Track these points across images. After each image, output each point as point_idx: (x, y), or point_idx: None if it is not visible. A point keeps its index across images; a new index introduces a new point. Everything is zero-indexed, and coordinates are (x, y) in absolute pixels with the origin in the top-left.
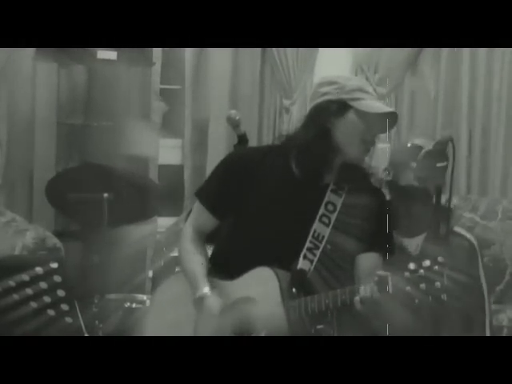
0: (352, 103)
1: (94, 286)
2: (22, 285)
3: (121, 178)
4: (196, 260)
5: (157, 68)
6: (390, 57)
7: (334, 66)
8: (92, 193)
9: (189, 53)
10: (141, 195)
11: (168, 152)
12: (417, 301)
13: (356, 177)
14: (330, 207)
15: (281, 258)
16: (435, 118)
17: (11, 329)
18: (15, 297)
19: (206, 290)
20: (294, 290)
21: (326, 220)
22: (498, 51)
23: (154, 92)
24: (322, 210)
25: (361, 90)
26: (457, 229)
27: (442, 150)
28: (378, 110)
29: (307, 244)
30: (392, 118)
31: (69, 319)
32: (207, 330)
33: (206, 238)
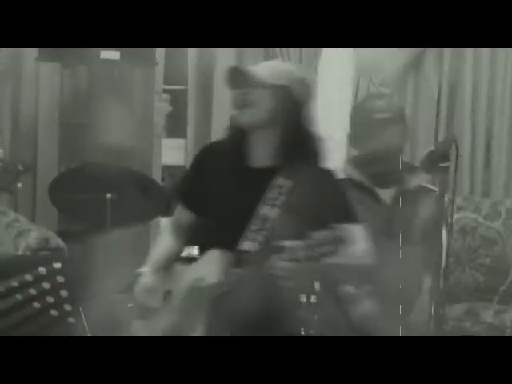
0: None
1: (97, 287)
2: (25, 285)
3: (124, 179)
4: (157, 248)
5: (160, 68)
6: (394, 57)
7: (337, 66)
8: (95, 193)
9: (192, 53)
10: (144, 196)
11: (171, 152)
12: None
13: (301, 156)
14: (280, 190)
15: (230, 240)
16: (438, 119)
17: (14, 329)
18: (18, 297)
19: (145, 268)
20: (235, 269)
21: (274, 202)
22: (502, 51)
23: (157, 92)
24: (270, 193)
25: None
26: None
27: (445, 151)
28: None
29: (252, 226)
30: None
31: (72, 320)
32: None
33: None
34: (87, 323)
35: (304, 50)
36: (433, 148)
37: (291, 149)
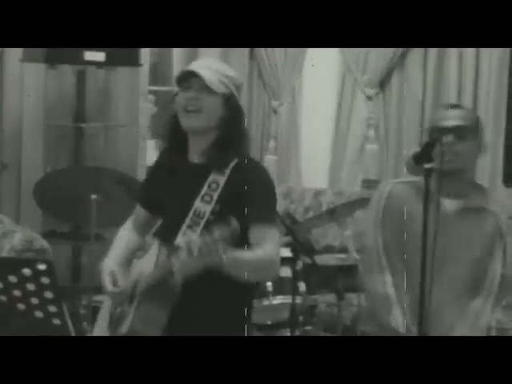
0: None
1: (82, 288)
2: (10, 286)
3: (109, 180)
4: (118, 241)
5: (145, 69)
6: (378, 58)
7: (322, 66)
8: (80, 194)
9: (177, 53)
10: (129, 196)
11: (156, 153)
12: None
13: (234, 154)
14: (214, 186)
15: (170, 234)
16: (423, 119)
17: None
18: (2, 298)
19: (110, 264)
20: (162, 264)
21: (207, 198)
22: (486, 51)
23: (142, 93)
24: (204, 189)
25: None
26: None
27: (429, 152)
28: None
29: (187, 221)
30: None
31: (56, 321)
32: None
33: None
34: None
35: (289, 50)
36: (418, 149)
37: (227, 148)
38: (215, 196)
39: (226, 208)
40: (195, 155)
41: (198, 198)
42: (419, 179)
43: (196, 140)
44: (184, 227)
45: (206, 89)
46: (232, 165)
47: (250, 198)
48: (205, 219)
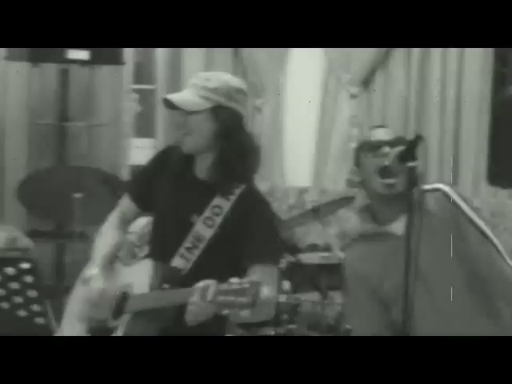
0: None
1: (66, 287)
2: (3, 280)
3: (92, 179)
4: (103, 241)
5: (129, 68)
6: (362, 56)
7: (306, 66)
8: (64, 193)
9: (161, 53)
10: (112, 195)
11: (140, 152)
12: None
13: (241, 176)
14: (217, 210)
15: (165, 253)
16: (406, 118)
17: None
18: None
19: (95, 271)
20: (165, 285)
21: (210, 222)
22: (469, 51)
23: (126, 92)
24: (207, 213)
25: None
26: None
27: (412, 150)
28: None
29: (186, 243)
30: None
31: (40, 320)
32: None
33: None
34: (55, 324)
35: (273, 50)
36: (402, 148)
37: (229, 168)
38: (217, 221)
39: (226, 237)
40: (201, 172)
41: (201, 221)
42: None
43: (201, 157)
44: (182, 249)
45: (187, 109)
46: (238, 192)
47: (253, 235)
48: (204, 244)
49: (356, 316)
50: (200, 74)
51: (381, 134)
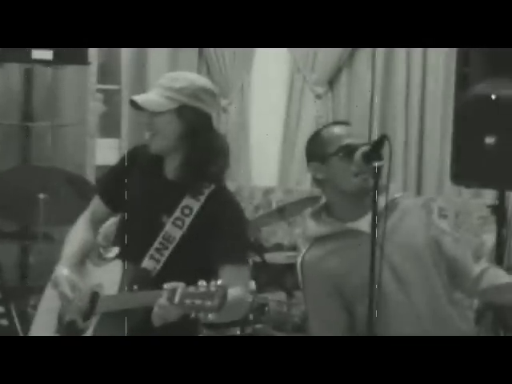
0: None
1: (30, 288)
2: None
3: (57, 179)
4: (72, 242)
5: (93, 68)
6: (327, 56)
7: (271, 65)
8: (28, 194)
9: (126, 52)
10: (77, 196)
11: (105, 152)
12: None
13: (210, 176)
14: (187, 211)
15: (135, 254)
16: (372, 117)
17: None
18: None
19: (65, 271)
20: (135, 286)
21: (179, 223)
22: (433, 51)
23: (91, 92)
24: (177, 213)
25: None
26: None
27: (378, 150)
28: None
29: (156, 244)
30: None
31: (4, 321)
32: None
33: None
34: (20, 325)
35: (238, 50)
36: (366, 147)
37: (198, 168)
38: (187, 222)
39: (195, 237)
40: (170, 172)
41: (170, 221)
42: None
43: (170, 158)
44: (152, 250)
45: (153, 110)
46: (208, 192)
47: (224, 235)
48: (174, 245)
49: (317, 319)
50: (167, 75)
51: (343, 131)
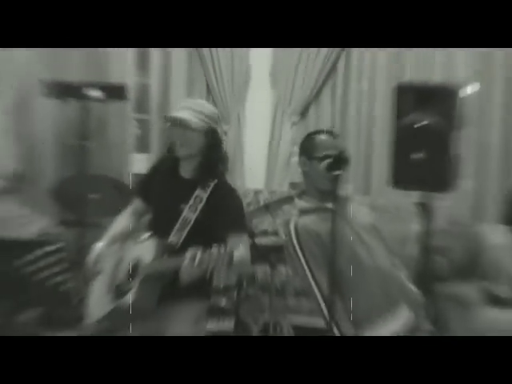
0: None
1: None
2: (38, 258)
3: (105, 183)
4: (114, 226)
5: (131, 102)
6: (300, 94)
7: (260, 100)
8: (85, 193)
9: (154, 90)
10: (118, 195)
11: (139, 164)
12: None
13: (215, 173)
14: (198, 200)
15: (163, 233)
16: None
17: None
18: (32, 268)
19: (100, 244)
20: (165, 255)
21: (193, 209)
22: (380, 80)
23: (129, 120)
24: (191, 201)
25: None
26: None
27: (338, 162)
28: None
29: (177, 225)
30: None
31: (71, 285)
32: None
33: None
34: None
35: (235, 82)
36: (330, 160)
37: (209, 170)
38: (199, 207)
39: (206, 219)
40: (186, 173)
41: (187, 208)
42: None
43: (185, 162)
44: (175, 229)
45: (188, 127)
46: (212, 184)
47: (227, 213)
48: (190, 224)
49: (320, 271)
50: (192, 101)
51: (329, 141)
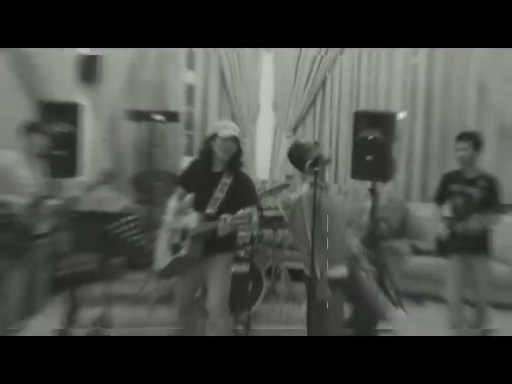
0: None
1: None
2: (122, 224)
3: (165, 176)
4: (170, 205)
5: (181, 123)
6: (292, 114)
7: (265, 121)
8: (153, 182)
9: (196, 113)
10: (173, 183)
11: (186, 163)
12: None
13: (235, 166)
14: (224, 184)
15: (202, 208)
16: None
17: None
18: (119, 230)
19: (169, 221)
20: (205, 221)
21: (222, 189)
22: (345, 100)
23: (181, 135)
24: (220, 186)
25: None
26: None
27: (316, 161)
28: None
29: (211, 202)
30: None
31: (144, 242)
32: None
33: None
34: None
35: (251, 106)
36: (312, 160)
37: (231, 163)
38: (225, 189)
39: (231, 197)
40: (216, 168)
41: (217, 190)
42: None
43: (218, 161)
44: (210, 204)
45: (234, 140)
46: (233, 173)
47: (245, 192)
48: (220, 201)
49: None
50: (226, 121)
51: (314, 148)
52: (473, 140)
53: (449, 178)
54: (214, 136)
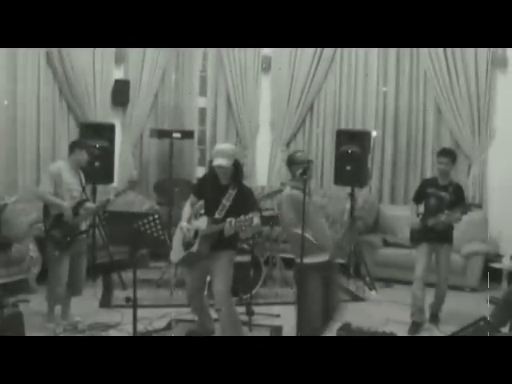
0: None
1: (173, 226)
2: (147, 222)
3: (183, 183)
4: (185, 211)
5: (195, 140)
6: (285, 133)
7: (264, 139)
8: (172, 188)
9: (208, 131)
10: (189, 190)
11: (200, 172)
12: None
13: (239, 180)
14: (230, 195)
15: (211, 213)
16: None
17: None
18: (144, 227)
19: (184, 223)
20: (213, 224)
21: (228, 199)
22: (328, 117)
23: (195, 149)
24: (226, 196)
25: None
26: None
27: (306, 169)
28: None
29: (219, 208)
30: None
31: (163, 237)
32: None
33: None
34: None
35: (252, 119)
36: (302, 168)
37: (235, 178)
38: (231, 199)
39: (235, 205)
40: (222, 181)
41: (224, 199)
42: (294, 184)
43: (222, 176)
44: (217, 211)
45: (226, 168)
46: (237, 186)
47: (247, 202)
48: (226, 207)
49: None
50: (224, 145)
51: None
52: (451, 156)
53: (426, 183)
54: (211, 162)
